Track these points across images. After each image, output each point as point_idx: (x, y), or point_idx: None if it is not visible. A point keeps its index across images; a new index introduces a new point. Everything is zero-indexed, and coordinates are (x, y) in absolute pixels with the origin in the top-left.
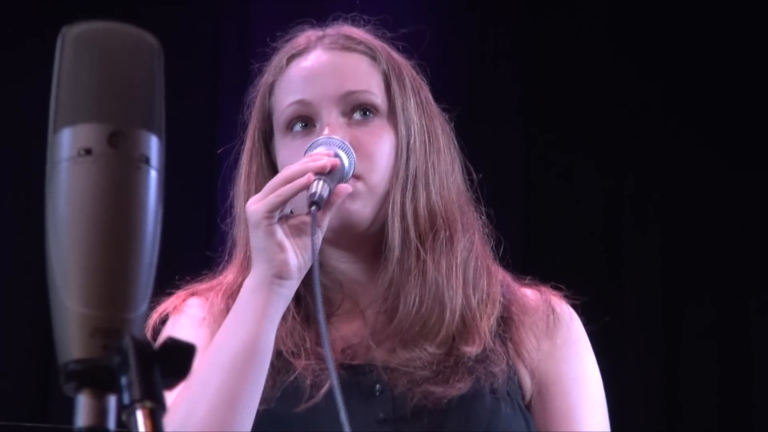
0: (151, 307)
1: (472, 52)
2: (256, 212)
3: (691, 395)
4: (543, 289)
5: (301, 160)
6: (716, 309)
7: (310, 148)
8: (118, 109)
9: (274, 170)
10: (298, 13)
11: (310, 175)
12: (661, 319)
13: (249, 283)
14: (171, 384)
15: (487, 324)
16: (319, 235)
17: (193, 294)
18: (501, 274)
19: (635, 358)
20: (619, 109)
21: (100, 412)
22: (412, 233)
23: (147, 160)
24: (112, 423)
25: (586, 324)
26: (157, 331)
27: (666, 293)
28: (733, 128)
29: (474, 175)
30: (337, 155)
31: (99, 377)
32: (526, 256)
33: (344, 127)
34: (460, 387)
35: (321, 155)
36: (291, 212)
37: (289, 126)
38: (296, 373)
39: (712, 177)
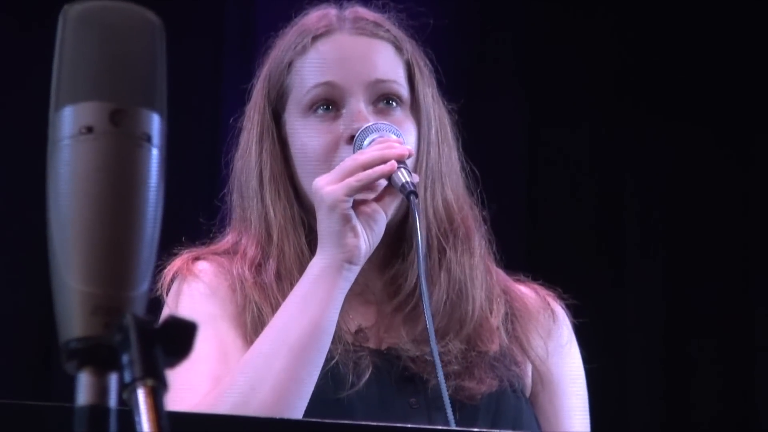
0: (157, 269)
1: (472, 46)
2: (333, 194)
3: (692, 397)
4: (538, 288)
5: (373, 146)
6: (719, 305)
7: (366, 132)
8: (120, 87)
9: (284, 147)
10: None
11: (394, 163)
12: (664, 320)
13: (316, 265)
14: (173, 362)
15: (496, 321)
16: (384, 223)
17: (197, 258)
18: (495, 270)
19: (636, 357)
20: (623, 98)
21: (102, 390)
22: (435, 230)
23: (148, 138)
24: (113, 401)
25: (586, 322)
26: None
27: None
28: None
29: (474, 170)
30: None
31: (100, 355)
32: (528, 252)
33: (371, 114)
34: (490, 384)
35: (393, 141)
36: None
37: (312, 107)
38: (335, 359)
39: (717, 169)
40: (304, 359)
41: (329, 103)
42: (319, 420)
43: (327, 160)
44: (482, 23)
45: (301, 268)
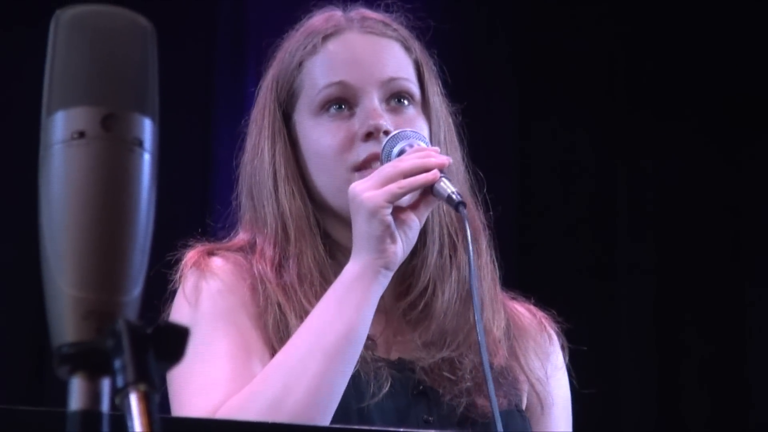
0: (163, 264)
1: (469, 42)
2: (374, 200)
3: (686, 401)
4: (534, 309)
5: (411, 154)
6: (711, 308)
7: (394, 140)
8: (112, 92)
9: (294, 148)
10: None
11: (437, 172)
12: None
13: (352, 269)
14: (165, 367)
15: (498, 332)
16: (418, 230)
17: (211, 253)
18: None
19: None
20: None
21: (94, 395)
22: (446, 228)
23: (140, 143)
24: (105, 406)
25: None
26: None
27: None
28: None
29: (478, 173)
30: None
31: (93, 360)
32: (519, 254)
33: (385, 112)
34: (501, 402)
35: (430, 150)
36: None
37: (324, 106)
38: (357, 368)
39: (710, 174)
40: (339, 363)
41: (342, 102)
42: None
43: (342, 158)
44: (474, 24)
45: (320, 269)
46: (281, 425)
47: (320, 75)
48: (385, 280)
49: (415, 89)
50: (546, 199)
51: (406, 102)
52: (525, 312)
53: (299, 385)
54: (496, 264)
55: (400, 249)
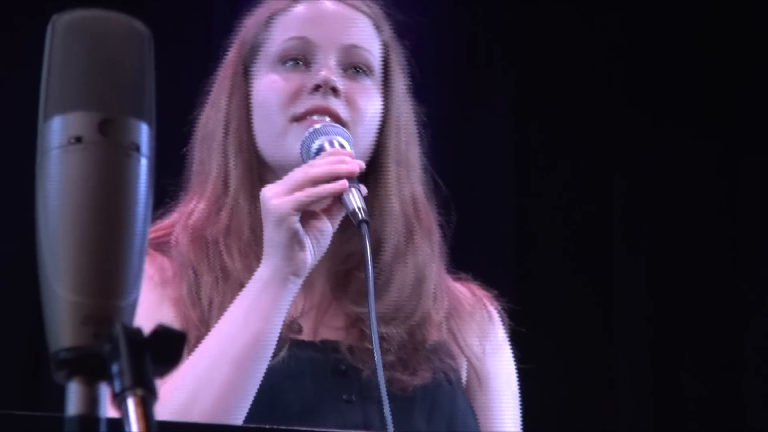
0: None
1: (463, 50)
2: (281, 208)
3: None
4: (474, 287)
5: (324, 158)
6: (708, 308)
7: (314, 135)
8: (108, 97)
9: (250, 102)
10: None
11: (345, 183)
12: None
13: (261, 275)
14: (162, 371)
15: (438, 317)
16: (330, 235)
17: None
18: (443, 271)
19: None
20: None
21: (92, 400)
22: (404, 209)
23: (137, 148)
24: (103, 411)
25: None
26: None
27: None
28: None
29: (436, 178)
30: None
31: (90, 365)
32: (515, 253)
33: (340, 78)
34: (424, 376)
35: (343, 155)
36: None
37: (282, 60)
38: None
39: (704, 177)
40: (247, 370)
41: (299, 58)
42: (260, 426)
43: (285, 108)
44: (469, 26)
45: (252, 224)
46: (277, 429)
47: (284, 30)
48: (294, 287)
49: (375, 64)
50: (542, 213)
51: (363, 74)
52: (466, 292)
53: (206, 395)
54: (442, 255)
55: (309, 256)
